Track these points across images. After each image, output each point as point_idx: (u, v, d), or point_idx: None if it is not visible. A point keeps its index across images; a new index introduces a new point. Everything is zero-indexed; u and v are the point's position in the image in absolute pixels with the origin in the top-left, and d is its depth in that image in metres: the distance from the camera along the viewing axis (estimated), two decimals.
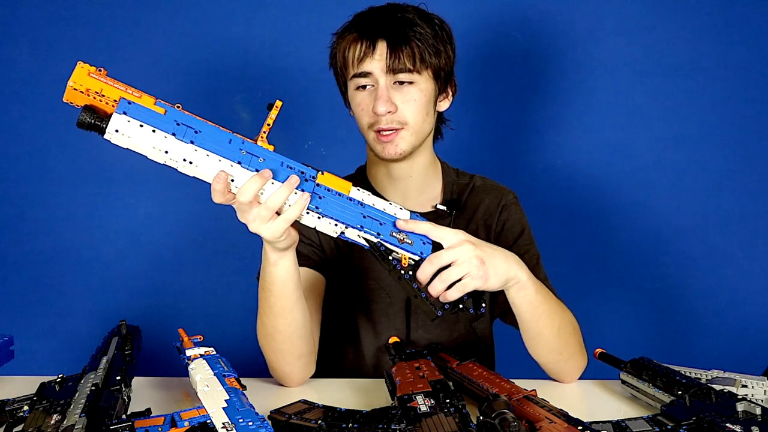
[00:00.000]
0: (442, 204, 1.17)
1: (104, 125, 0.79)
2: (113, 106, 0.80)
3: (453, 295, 0.88)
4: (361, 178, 1.23)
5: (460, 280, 0.88)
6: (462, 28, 1.69)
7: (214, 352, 0.95)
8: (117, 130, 0.79)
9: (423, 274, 0.88)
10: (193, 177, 0.84)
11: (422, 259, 0.89)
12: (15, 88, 1.71)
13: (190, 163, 0.82)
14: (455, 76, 1.16)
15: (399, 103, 1.07)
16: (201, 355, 0.93)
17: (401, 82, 1.07)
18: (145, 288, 1.73)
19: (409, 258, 0.89)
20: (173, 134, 0.81)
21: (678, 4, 1.68)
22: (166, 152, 0.81)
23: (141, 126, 0.80)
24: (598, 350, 1.08)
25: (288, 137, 1.72)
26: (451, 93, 1.16)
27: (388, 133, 1.08)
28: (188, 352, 0.95)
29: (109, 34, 1.70)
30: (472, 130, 1.72)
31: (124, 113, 0.79)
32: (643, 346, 1.69)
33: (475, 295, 0.91)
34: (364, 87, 1.08)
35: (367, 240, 0.88)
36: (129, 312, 1.60)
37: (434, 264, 0.88)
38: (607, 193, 1.72)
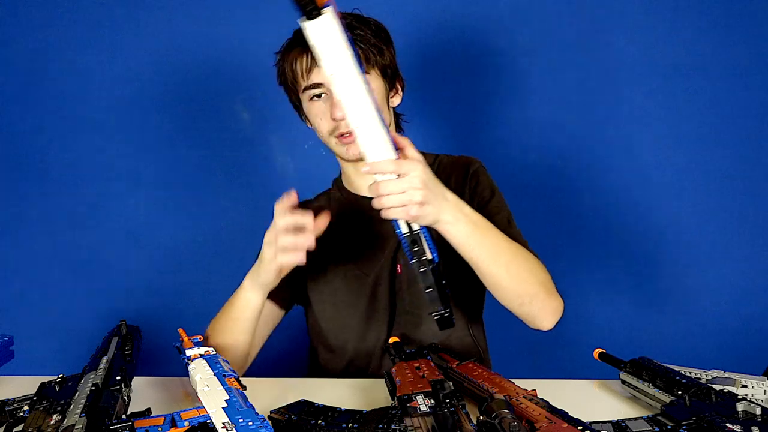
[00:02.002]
0: None
1: (319, 11, 0.78)
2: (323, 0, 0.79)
3: (387, 214, 0.89)
4: (338, 188, 1.28)
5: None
6: (457, 22, 1.70)
7: (214, 352, 0.95)
8: (326, 22, 0.79)
9: (378, 168, 0.88)
10: (337, 99, 0.85)
11: (434, 260, 0.91)
12: (15, 89, 1.72)
13: (347, 92, 0.83)
14: (401, 72, 1.20)
15: None
16: (201, 355, 0.93)
17: None
18: (145, 288, 1.73)
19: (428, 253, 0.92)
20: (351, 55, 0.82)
21: (678, 4, 1.68)
22: (342, 67, 0.81)
23: (340, 32, 0.80)
24: (597, 350, 1.08)
25: (288, 137, 1.73)
26: (400, 88, 1.21)
27: (348, 134, 1.12)
28: (188, 352, 0.95)
29: (108, 35, 1.70)
30: (464, 130, 1.72)
31: (333, 12, 0.79)
32: (642, 345, 1.68)
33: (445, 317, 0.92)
34: (318, 96, 1.13)
35: (410, 228, 0.91)
36: (129, 312, 1.60)
37: (384, 188, 0.88)
38: (607, 192, 1.71)
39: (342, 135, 1.12)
